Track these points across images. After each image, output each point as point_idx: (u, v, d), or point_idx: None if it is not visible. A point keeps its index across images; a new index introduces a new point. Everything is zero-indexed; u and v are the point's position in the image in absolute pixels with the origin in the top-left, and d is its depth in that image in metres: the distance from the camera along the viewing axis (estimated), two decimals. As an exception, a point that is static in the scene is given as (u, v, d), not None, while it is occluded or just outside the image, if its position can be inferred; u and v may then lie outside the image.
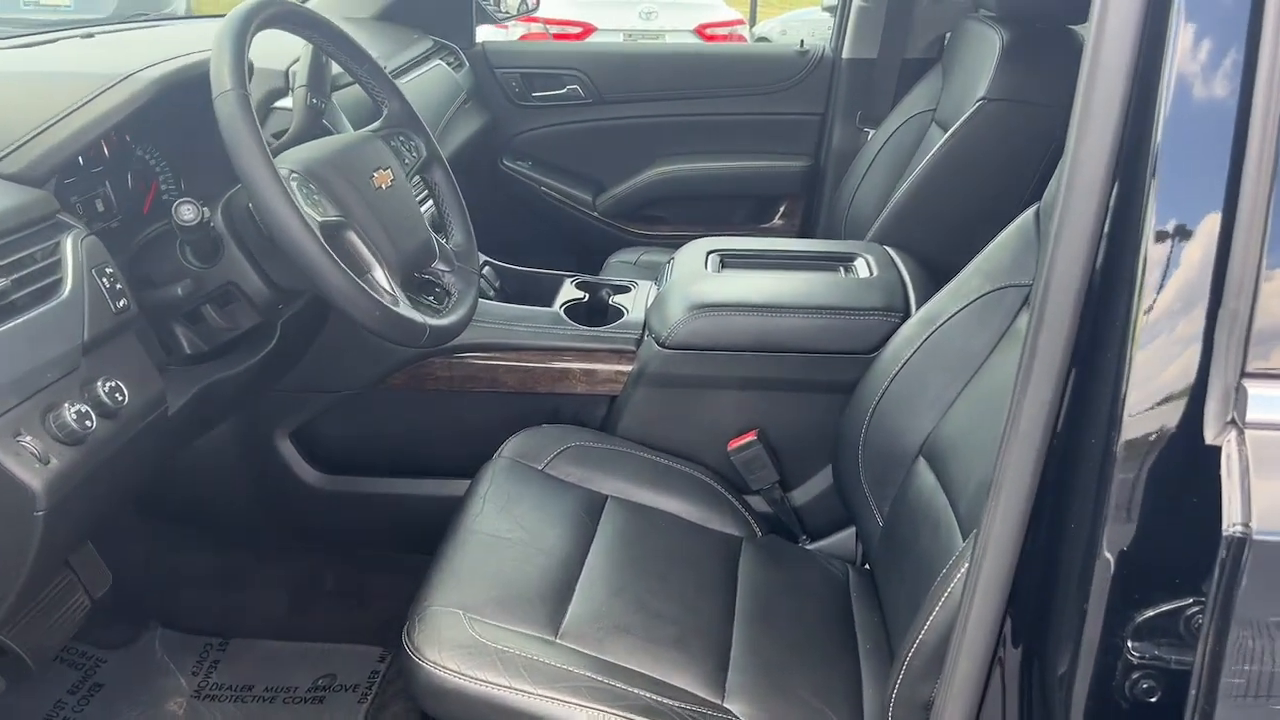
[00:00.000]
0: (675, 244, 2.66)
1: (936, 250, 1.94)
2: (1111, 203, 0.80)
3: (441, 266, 1.40)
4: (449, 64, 2.50)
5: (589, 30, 7.43)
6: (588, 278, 1.95)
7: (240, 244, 1.22)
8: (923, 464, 1.43)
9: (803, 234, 2.72)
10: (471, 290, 1.42)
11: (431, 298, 1.50)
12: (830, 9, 8.89)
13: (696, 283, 1.71)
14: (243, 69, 1.12)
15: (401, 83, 2.16)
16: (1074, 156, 0.80)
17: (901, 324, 1.60)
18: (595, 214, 2.75)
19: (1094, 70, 0.78)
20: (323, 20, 1.31)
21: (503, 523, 1.42)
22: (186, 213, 1.12)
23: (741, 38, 8.02)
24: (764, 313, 1.62)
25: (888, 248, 1.88)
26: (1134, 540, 0.79)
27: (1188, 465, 0.76)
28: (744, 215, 2.77)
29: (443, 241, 1.43)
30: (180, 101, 1.32)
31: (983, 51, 2.02)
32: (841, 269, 1.82)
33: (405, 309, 1.21)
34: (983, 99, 1.89)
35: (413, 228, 1.33)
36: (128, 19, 2.26)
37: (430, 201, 1.55)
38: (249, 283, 1.23)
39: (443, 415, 1.75)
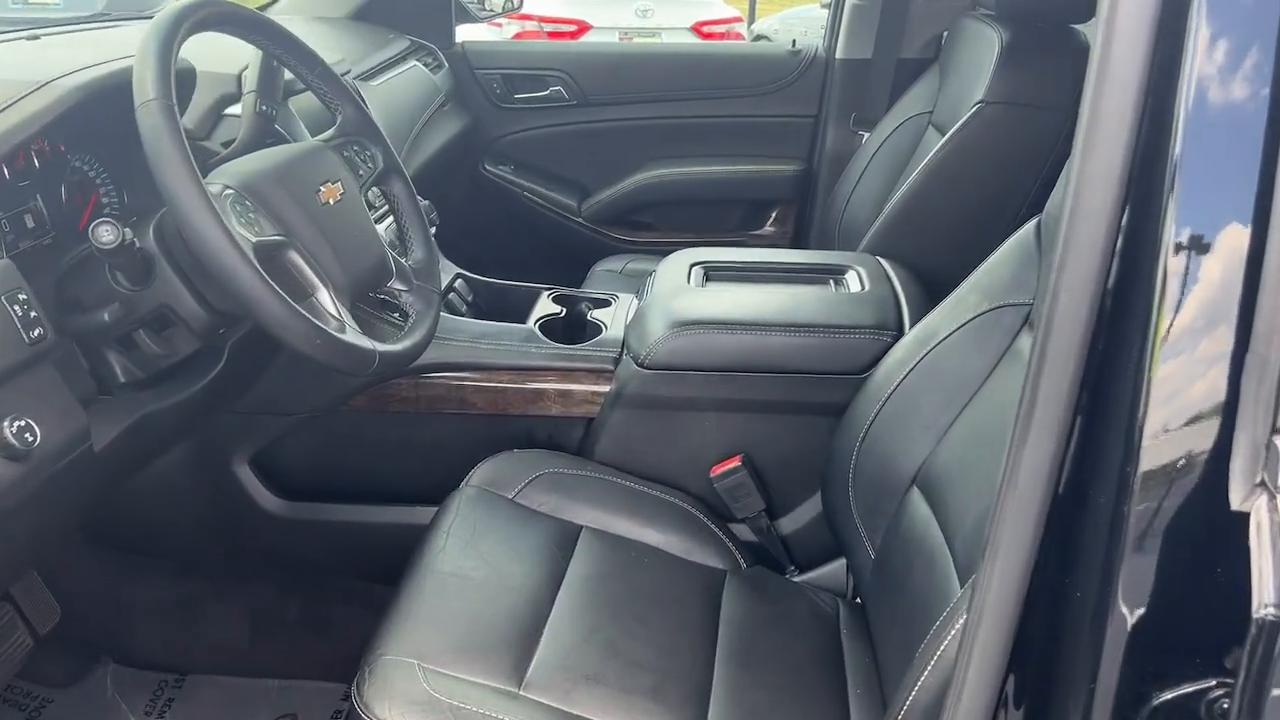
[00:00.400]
0: (663, 251, 2.56)
1: (932, 260, 1.85)
2: (1123, 224, 0.70)
3: (399, 286, 1.30)
4: (427, 65, 2.41)
5: (584, 28, 7.33)
6: (565, 290, 1.85)
7: (174, 265, 1.12)
8: (916, 494, 1.34)
9: (795, 241, 2.62)
10: (431, 312, 1.32)
11: (397, 314, 1.40)
12: (829, 6, 8.77)
13: (678, 298, 1.62)
14: (168, 76, 1.02)
15: (375, 85, 2.07)
16: (1080, 170, 0.70)
17: (894, 343, 1.50)
18: (580, 220, 2.65)
19: (1104, 73, 0.68)
20: (264, 21, 1.22)
21: (467, 559, 1.33)
22: (105, 234, 1.02)
23: (739, 35, 7.92)
24: (748, 330, 1.52)
25: (880, 259, 1.78)
26: (1149, 609, 0.69)
27: (1211, 531, 0.66)
28: (735, 221, 2.67)
29: (401, 259, 1.33)
30: (118, 108, 1.23)
31: (981, 52, 1.92)
32: (831, 282, 1.72)
33: (352, 335, 1.12)
34: (981, 102, 1.79)
35: (365, 245, 1.23)
36: (93, 17, 2.17)
37: (390, 216, 1.45)
38: (185, 306, 1.13)
39: (409, 439, 1.66)
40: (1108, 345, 0.71)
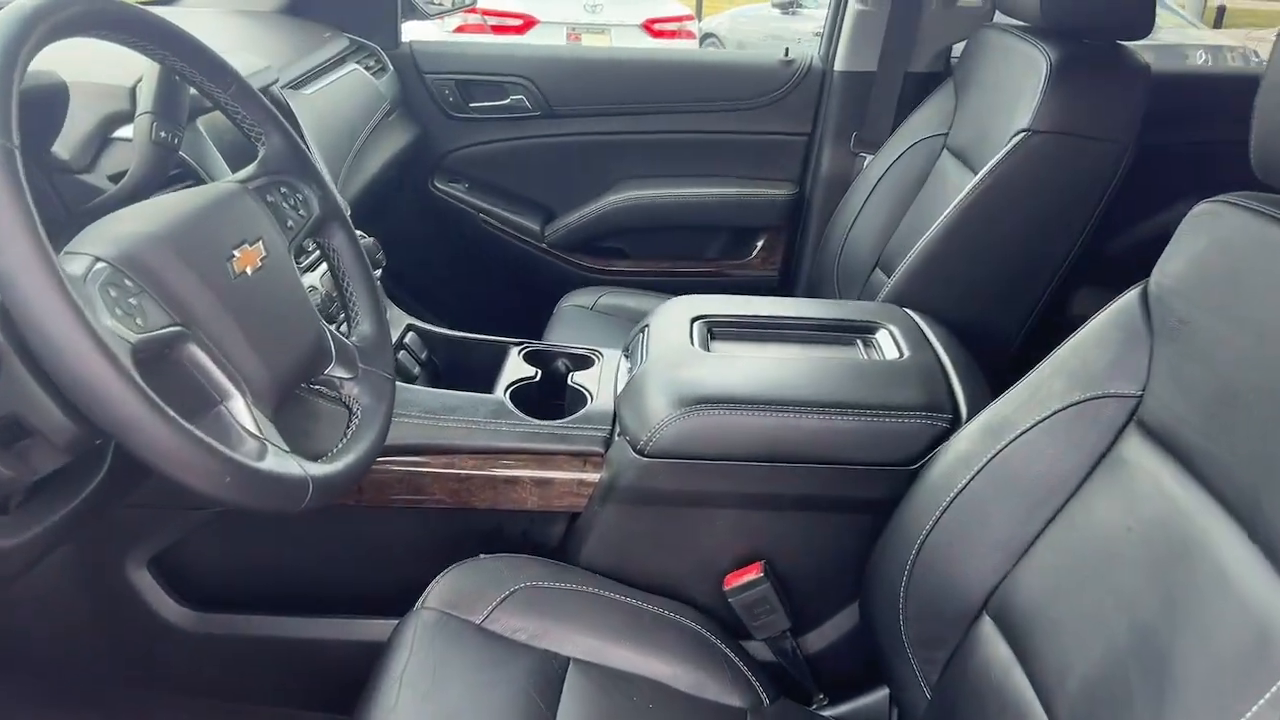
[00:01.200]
0: (637, 282, 2.28)
1: (968, 314, 1.60)
2: None
3: (340, 373, 1.00)
4: (369, 68, 2.09)
5: (530, 23, 7.02)
6: (538, 345, 1.56)
7: (26, 361, 0.80)
8: (989, 626, 1.08)
9: (785, 273, 2.35)
10: (382, 407, 1.02)
11: (332, 391, 1.08)
12: (781, 5, 8.62)
13: (682, 367, 1.33)
14: (8, 108, 0.71)
15: (309, 93, 1.75)
16: None
17: (950, 429, 1.24)
18: (544, 245, 2.35)
19: None
20: (156, 23, 0.90)
21: (426, 718, 1.03)
22: None
23: (690, 34, 7.68)
24: (774, 411, 1.25)
25: (913, 314, 1.52)
26: None
27: None
28: (717, 249, 2.39)
29: (343, 335, 1.02)
30: None
31: (1018, 71, 1.67)
32: (859, 344, 1.45)
33: (275, 460, 0.81)
34: (1026, 131, 1.54)
35: (294, 326, 0.93)
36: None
37: (323, 265, 1.14)
38: (43, 416, 0.81)
39: (350, 536, 1.35)
40: None
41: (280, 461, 0.82)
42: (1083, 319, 2.14)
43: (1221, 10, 10.91)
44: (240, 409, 0.82)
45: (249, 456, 0.79)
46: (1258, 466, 0.87)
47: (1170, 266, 1.04)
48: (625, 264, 2.35)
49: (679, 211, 2.31)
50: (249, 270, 0.88)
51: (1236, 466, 0.89)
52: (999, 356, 1.64)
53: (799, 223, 2.31)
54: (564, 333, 1.96)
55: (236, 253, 0.87)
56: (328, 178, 1.46)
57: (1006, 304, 1.63)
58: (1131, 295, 1.08)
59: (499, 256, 2.35)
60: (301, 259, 1.30)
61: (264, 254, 0.91)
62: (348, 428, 0.98)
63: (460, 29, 6.74)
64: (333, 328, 1.01)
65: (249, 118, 1.01)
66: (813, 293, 2.17)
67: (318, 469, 0.86)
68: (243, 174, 0.99)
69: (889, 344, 1.42)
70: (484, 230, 2.32)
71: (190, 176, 1.19)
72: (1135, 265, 2.30)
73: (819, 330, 1.48)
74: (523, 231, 2.33)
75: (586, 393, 1.42)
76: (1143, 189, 1.57)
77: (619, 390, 1.39)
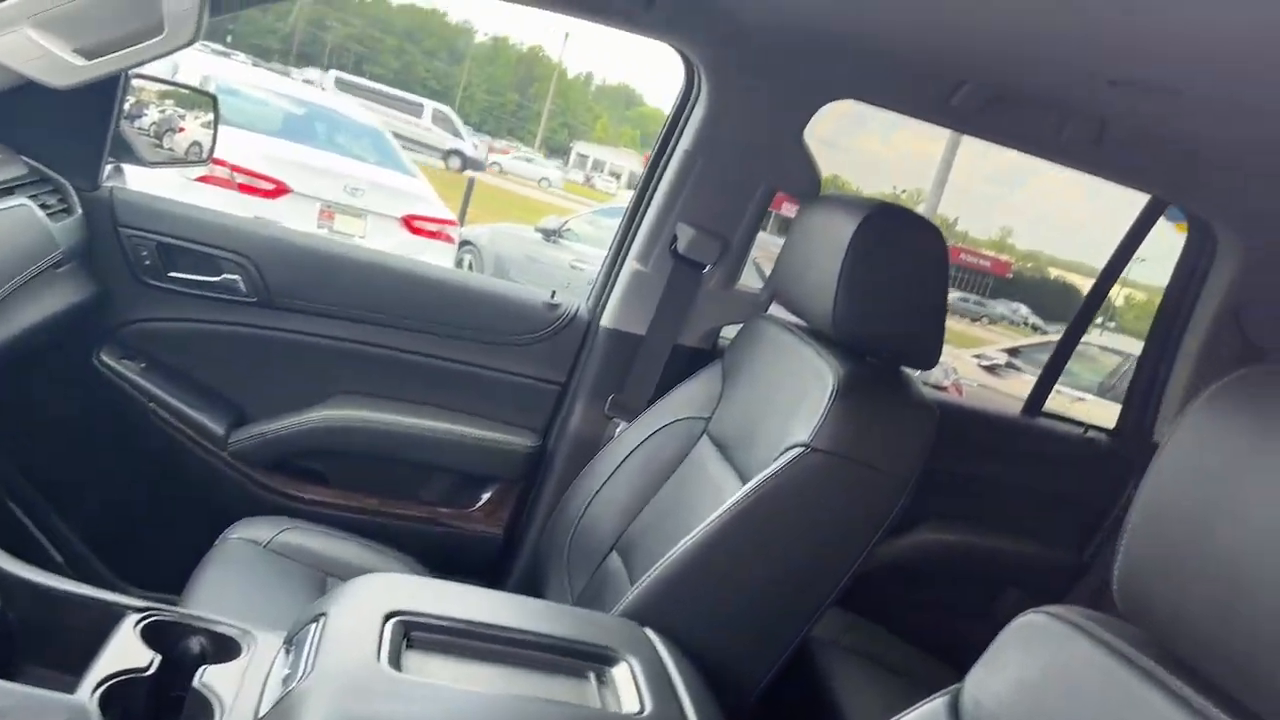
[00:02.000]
0: (333, 517, 1.90)
1: (717, 646, 1.36)
2: None
3: None
4: (46, 206, 1.67)
5: (282, 190, 6.66)
6: (167, 615, 1.15)
7: None
8: None
9: (511, 532, 2.05)
10: None
11: None
12: (545, 231, 8.76)
13: (358, 694, 0.98)
14: None
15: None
16: None
17: (695, 833, 0.96)
18: (224, 455, 1.92)
19: None
20: None
21: None
22: None
23: (450, 238, 7.57)
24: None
25: (656, 639, 1.26)
26: None
27: None
28: (437, 493, 2.05)
29: None
30: None
31: (794, 374, 1.54)
32: (593, 678, 1.16)
33: None
34: (804, 446, 1.37)
35: None
36: None
37: None
38: None
39: None
40: None
41: None
42: (821, 643, 1.96)
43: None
44: None
45: None
46: None
47: (991, 684, 0.84)
48: (323, 493, 1.97)
49: (401, 442, 1.98)
50: None
51: None
52: (742, 700, 1.40)
53: (536, 479, 2.04)
54: (219, 577, 1.55)
55: None
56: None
57: (759, 638, 1.41)
58: (937, 705, 0.87)
59: (165, 460, 1.90)
60: None
61: None
62: None
63: (205, 179, 6.26)
64: None
65: None
66: (539, 562, 1.88)
67: None
68: None
69: (627, 685, 1.14)
70: (151, 424, 1.87)
71: None
72: (878, 588, 2.15)
73: (543, 650, 1.17)
74: (201, 433, 1.90)
75: (216, 704, 1.02)
76: None
77: (263, 710, 1.01)
